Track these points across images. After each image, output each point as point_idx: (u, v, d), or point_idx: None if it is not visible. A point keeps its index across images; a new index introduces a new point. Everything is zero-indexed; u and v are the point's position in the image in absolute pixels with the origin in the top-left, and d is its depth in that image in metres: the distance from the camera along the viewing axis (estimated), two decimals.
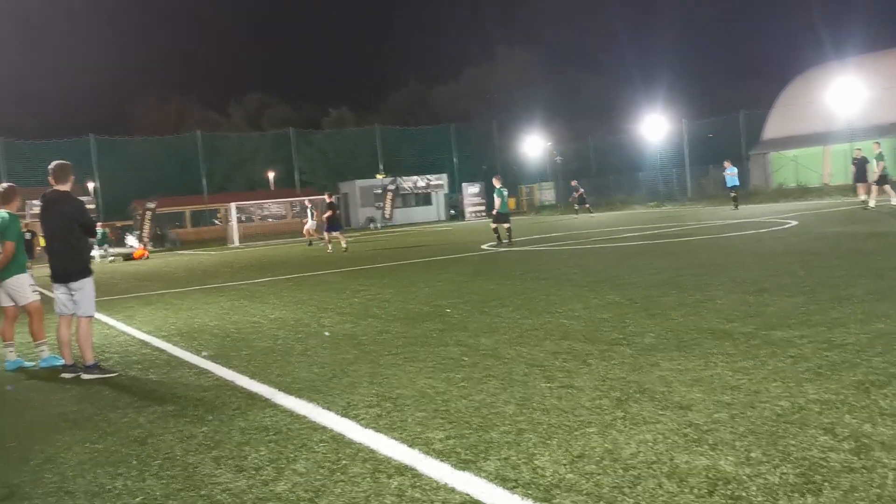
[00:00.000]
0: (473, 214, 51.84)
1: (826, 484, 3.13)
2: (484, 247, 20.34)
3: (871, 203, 23.69)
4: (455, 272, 14.04)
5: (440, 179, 55.88)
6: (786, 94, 44.77)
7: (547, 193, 57.40)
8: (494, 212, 20.74)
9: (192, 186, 52.85)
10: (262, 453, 4.21)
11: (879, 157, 24.13)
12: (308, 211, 33.53)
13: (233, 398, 5.56)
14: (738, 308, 7.45)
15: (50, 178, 7.01)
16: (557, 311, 8.23)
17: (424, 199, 55.04)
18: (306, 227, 32.34)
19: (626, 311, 7.85)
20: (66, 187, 7.04)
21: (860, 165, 25.07)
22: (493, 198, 21.10)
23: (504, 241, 20.12)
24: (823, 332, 6.02)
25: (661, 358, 5.63)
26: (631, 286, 9.77)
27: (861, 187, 25.02)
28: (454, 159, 60.87)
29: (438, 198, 55.47)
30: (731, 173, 30.40)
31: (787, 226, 18.74)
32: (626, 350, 6.01)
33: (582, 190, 40.53)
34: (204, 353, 6.98)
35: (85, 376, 6.83)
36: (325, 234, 25.32)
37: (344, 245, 23.83)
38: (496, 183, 21.06)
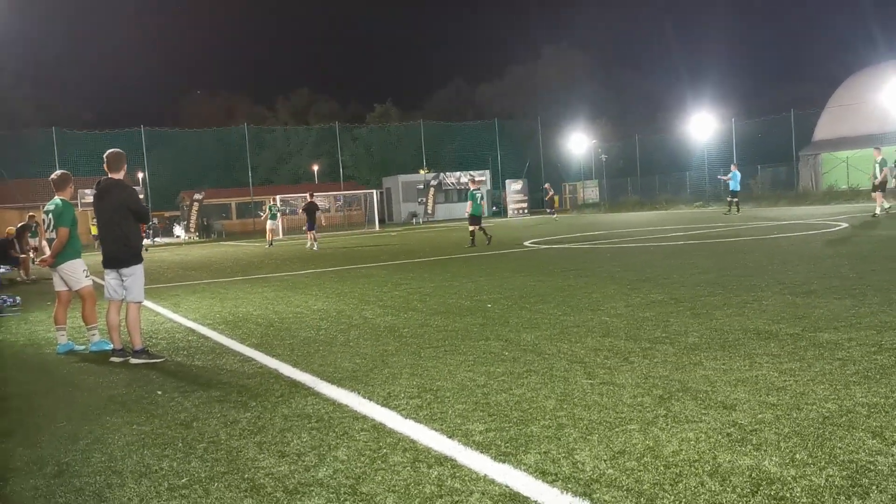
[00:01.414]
0: (516, 211, 51.70)
1: (874, 487, 3.07)
2: (527, 243, 20.27)
3: (877, 210, 22.79)
4: (496, 268, 14.03)
5: (483, 175, 55.84)
6: (838, 95, 43.77)
7: (591, 191, 56.98)
8: (467, 213, 21.30)
9: (239, 179, 53.70)
10: (304, 440, 4.27)
11: (882, 164, 23.39)
12: (273, 208, 32.55)
13: (276, 386, 5.65)
14: (784, 309, 7.32)
15: (104, 167, 7.18)
16: (599, 309, 8.17)
17: (467, 194, 55.12)
18: (270, 227, 31.16)
19: (670, 310, 7.77)
20: (119, 175, 7.21)
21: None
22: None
23: (472, 244, 20.37)
24: (872, 335, 5.89)
25: (704, 357, 5.57)
26: (674, 285, 9.66)
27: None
28: (498, 156, 60.76)
29: (482, 194, 55.49)
30: (733, 178, 29.86)
31: (836, 228, 18.32)
32: (668, 348, 5.95)
33: (553, 192, 40.99)
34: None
35: (133, 360, 6.99)
36: (308, 233, 25.76)
37: (309, 245, 24.44)
38: (471, 186, 21.91)
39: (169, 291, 13.67)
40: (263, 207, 47.64)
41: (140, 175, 50.19)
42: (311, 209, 25.63)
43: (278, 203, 35.68)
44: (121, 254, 7.14)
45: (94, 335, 7.94)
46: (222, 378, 6.11)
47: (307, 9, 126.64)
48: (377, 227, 44.50)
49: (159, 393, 5.66)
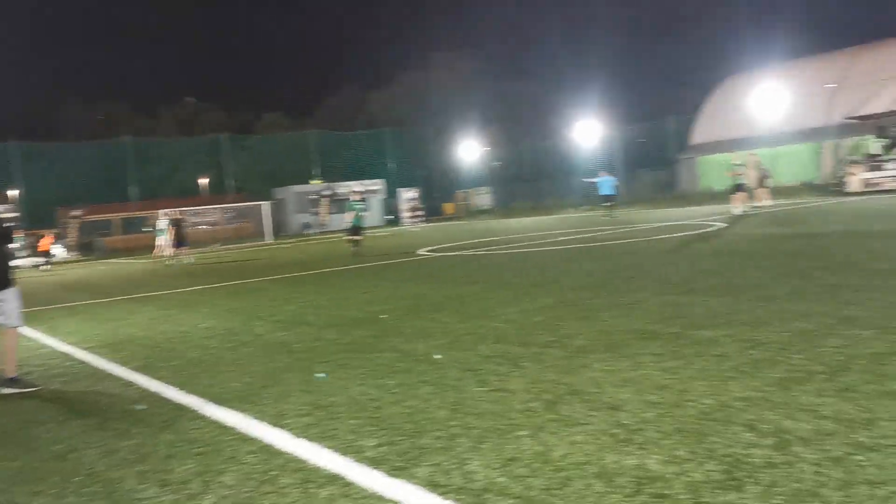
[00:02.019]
0: (411, 219, 51.81)
1: (748, 480, 3.21)
2: (420, 251, 20.33)
3: (741, 210, 24.45)
4: (390, 278, 14.00)
5: (376, 185, 55.68)
6: (712, 100, 46.16)
7: (483, 198, 57.78)
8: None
9: (122, 193, 51.52)
10: (189, 466, 4.10)
11: (740, 166, 25.31)
12: (163, 222, 30.73)
13: (160, 410, 5.41)
14: (666, 309, 7.61)
15: None
16: (492, 315, 8.26)
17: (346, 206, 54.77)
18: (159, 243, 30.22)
19: (559, 314, 7.94)
20: None
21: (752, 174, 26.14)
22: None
23: (356, 250, 21.05)
24: (747, 331, 6.19)
25: (592, 359, 5.71)
26: (564, 289, 9.89)
27: (760, 192, 25.99)
28: (391, 164, 60.78)
29: (374, 204, 55.25)
30: (603, 182, 30.99)
31: (713, 228, 19.26)
32: (558, 352, 6.07)
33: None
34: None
35: (4, 391, 6.55)
36: (173, 250, 25.35)
37: (169, 262, 24.22)
38: (353, 197, 22.91)
39: (45, 314, 12.92)
40: (151, 222, 45.76)
41: (13, 192, 47.39)
42: (178, 225, 25.31)
43: (162, 217, 34.16)
44: None
45: None
46: (102, 405, 5.81)
47: (190, 14, 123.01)
48: (270, 240, 43.62)
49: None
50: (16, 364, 6.78)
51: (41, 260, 32.10)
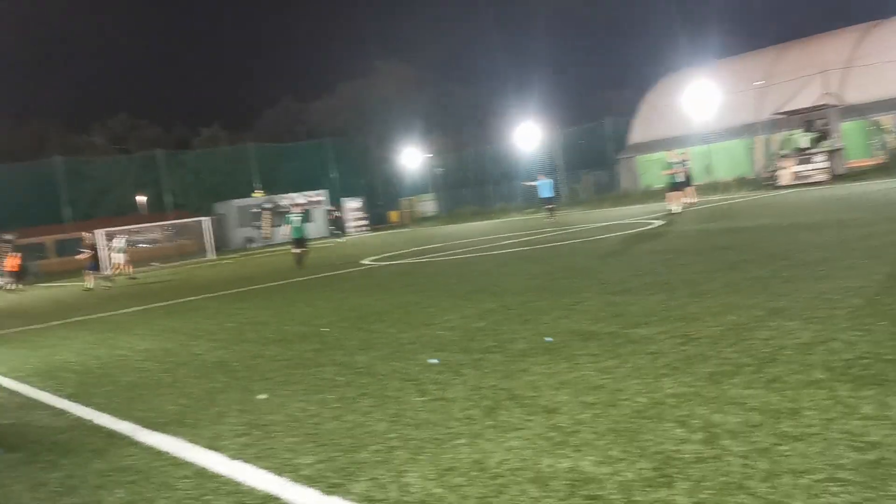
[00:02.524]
0: (356, 229, 51.56)
1: (678, 476, 3.26)
2: (365, 261, 20.23)
3: (678, 207, 24.70)
4: (334, 289, 13.89)
5: (319, 195, 55.29)
6: (648, 99, 47.06)
7: (427, 205, 57.85)
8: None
9: (55, 215, 50.08)
10: (120, 496, 3.99)
11: (676, 164, 25.49)
12: (121, 241, 30.88)
13: (91, 439, 5.25)
14: (604, 308, 7.71)
15: None
16: (434, 323, 8.26)
17: (304, 216, 54.25)
18: (116, 261, 29.99)
19: (501, 318, 7.97)
20: None
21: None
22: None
23: (300, 262, 21.20)
24: (681, 326, 6.30)
25: (531, 363, 5.74)
26: (506, 293, 9.94)
27: (678, 194, 25.68)
28: (333, 174, 60.41)
29: (318, 214, 54.85)
30: (541, 185, 31.08)
31: (651, 226, 19.61)
32: (498, 357, 6.09)
33: (338, 213, 43.91)
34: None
35: None
36: (87, 273, 24.80)
37: (89, 285, 23.94)
38: (293, 210, 23.64)
39: None
40: (84, 243, 44.67)
41: None
42: (93, 248, 25.06)
43: (119, 238, 33.35)
44: None
45: None
46: (30, 436, 5.61)
47: (123, 28, 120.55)
48: (212, 256, 42.90)
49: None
50: None
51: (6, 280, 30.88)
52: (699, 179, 34.18)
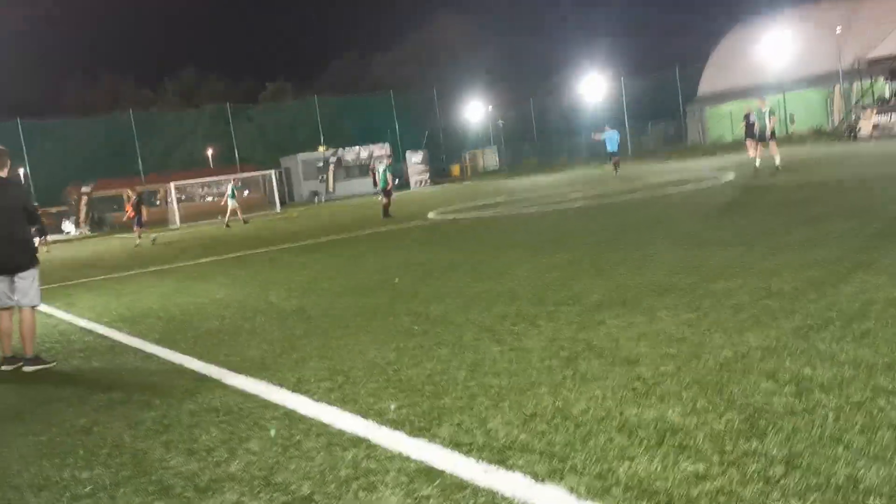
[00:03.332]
0: (418, 183, 51.65)
1: (770, 427, 3.22)
2: (430, 214, 20.31)
3: (758, 162, 23.83)
4: (402, 242, 14.00)
5: (383, 149, 55.43)
6: (719, 49, 45.50)
7: (490, 158, 57.49)
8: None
9: (129, 168, 51.46)
10: (214, 434, 4.15)
11: (770, 113, 24.34)
12: (230, 187, 32.56)
13: (181, 381, 5.47)
14: (680, 262, 7.59)
15: None
16: (505, 275, 8.27)
17: (366, 169, 54.53)
18: (231, 207, 31.27)
19: (573, 271, 7.93)
20: (4, 174, 6.67)
21: (749, 122, 25.10)
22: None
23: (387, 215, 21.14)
24: (761, 280, 6.17)
25: (607, 315, 5.71)
26: (576, 246, 9.87)
27: (750, 143, 24.77)
28: (396, 128, 60.41)
29: (384, 167, 55.06)
30: (609, 137, 30.07)
31: (724, 179, 19.12)
32: (573, 309, 6.08)
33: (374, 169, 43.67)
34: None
35: (28, 368, 6.61)
36: (136, 229, 24.78)
37: (138, 241, 23.85)
38: (386, 161, 23.31)
39: (61, 291, 13.02)
40: (158, 195, 45.88)
41: (21, 170, 47.48)
42: (137, 205, 24.90)
43: (234, 183, 34.79)
44: (18, 258, 6.60)
45: None
46: (123, 378, 5.87)
47: None
48: (278, 209, 43.65)
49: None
50: (35, 342, 6.83)
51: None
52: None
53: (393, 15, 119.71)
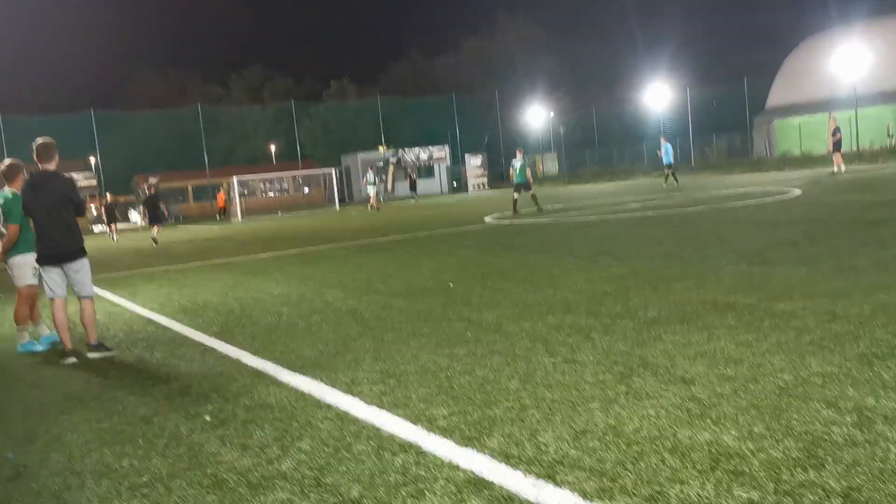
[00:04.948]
0: (476, 186, 51.66)
1: (829, 458, 3.14)
2: (487, 219, 20.30)
3: (836, 170, 25.16)
4: (458, 246, 14.03)
5: (442, 151, 55.63)
6: (790, 61, 44.44)
7: (550, 164, 57.19)
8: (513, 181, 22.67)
9: (194, 161, 52.78)
10: (267, 431, 4.23)
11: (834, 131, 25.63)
12: (371, 174, 35.96)
13: (237, 376, 5.59)
14: (740, 279, 7.44)
15: (34, 157, 6.82)
16: (560, 285, 8.22)
17: (427, 171, 54.82)
18: (373, 196, 34.95)
19: (629, 284, 7.84)
20: (52, 166, 6.84)
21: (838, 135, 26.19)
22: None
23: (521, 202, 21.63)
24: (827, 303, 6.00)
25: (664, 331, 5.63)
26: (634, 258, 9.75)
27: (839, 157, 26.18)
28: (456, 130, 60.55)
29: (441, 170, 55.27)
30: (666, 149, 29.75)
31: (790, 195, 18.65)
32: (629, 323, 6.01)
33: (414, 175, 46.12)
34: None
35: (93, 355, 6.83)
36: (153, 227, 24.68)
37: (154, 237, 23.85)
38: (518, 154, 22.97)
39: (125, 280, 13.43)
40: (222, 188, 46.77)
41: (92, 160, 49.11)
42: (153, 201, 24.90)
43: (372, 172, 37.23)
44: (69, 248, 6.82)
45: (23, 336, 7.61)
46: (183, 369, 6.02)
47: None
48: (337, 207, 44.17)
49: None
50: (97, 330, 7.04)
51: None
52: (844, 147, 32.32)
53: (455, 17, 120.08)
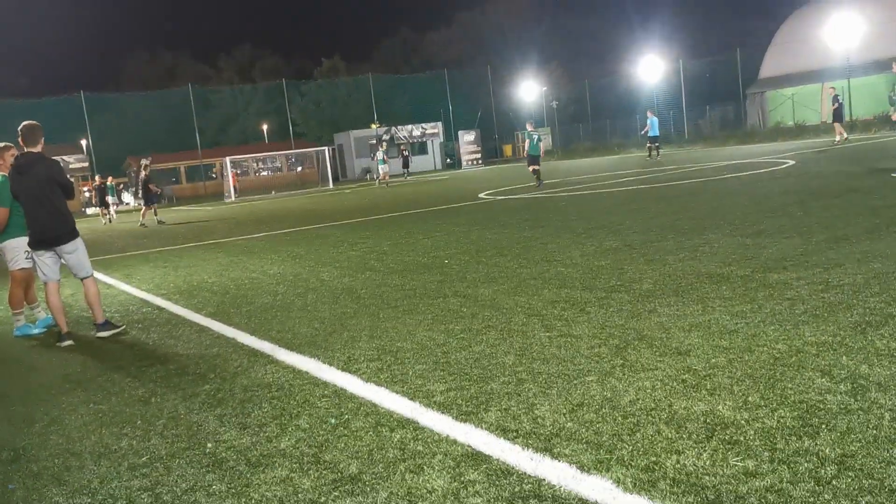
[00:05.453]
0: (470, 162, 51.53)
1: (823, 426, 3.17)
2: (482, 195, 20.27)
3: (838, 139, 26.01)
4: (452, 222, 14.02)
5: (435, 128, 55.41)
6: (782, 31, 44.19)
7: (543, 139, 56.99)
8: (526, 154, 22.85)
9: (186, 142, 52.50)
10: (266, 410, 4.25)
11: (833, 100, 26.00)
12: (381, 153, 37.19)
13: (234, 355, 5.60)
14: (735, 251, 7.46)
15: (19, 140, 6.75)
16: (555, 259, 8.23)
17: (420, 147, 54.65)
18: (382, 171, 36.18)
19: (624, 258, 7.86)
20: (38, 148, 6.77)
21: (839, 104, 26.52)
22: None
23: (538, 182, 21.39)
24: (820, 273, 6.03)
25: (658, 304, 5.65)
26: (628, 232, 9.76)
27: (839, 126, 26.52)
28: (449, 106, 60.27)
29: (434, 146, 55.10)
30: (652, 123, 29.75)
31: (784, 165, 18.65)
32: (623, 297, 6.03)
33: (407, 152, 45.80)
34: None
35: (102, 334, 6.82)
36: (143, 209, 24.61)
37: (142, 221, 23.89)
38: (528, 127, 23.17)
39: (120, 261, 13.40)
40: (214, 170, 46.57)
41: (83, 142, 48.80)
42: (145, 183, 24.62)
43: (382, 150, 38.53)
44: (59, 230, 6.78)
45: (19, 320, 7.58)
46: (179, 350, 6.03)
47: None
48: (331, 185, 44.05)
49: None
50: (101, 308, 7.04)
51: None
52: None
53: None
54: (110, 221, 29.87)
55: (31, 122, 6.85)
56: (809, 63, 39.03)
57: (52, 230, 6.78)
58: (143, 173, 24.75)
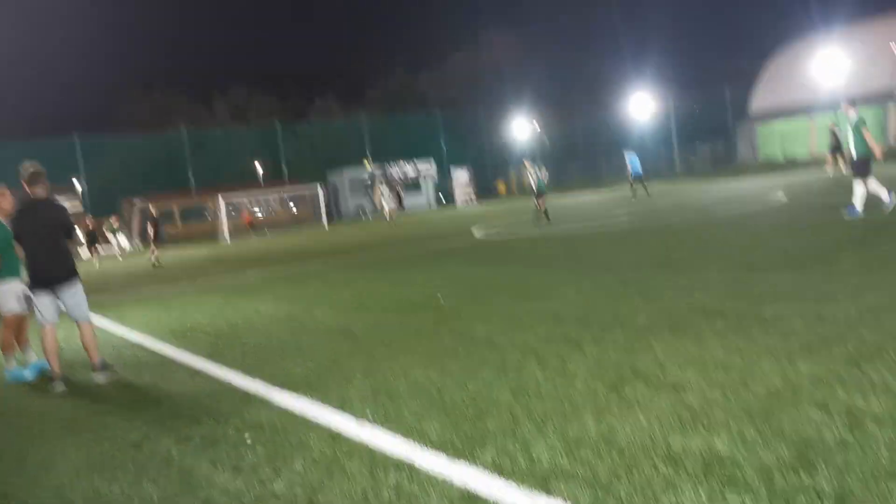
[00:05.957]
0: (465, 201, 51.70)
1: (820, 460, 3.15)
2: (475, 233, 20.32)
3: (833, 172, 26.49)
4: (447, 260, 14.04)
5: (428, 166, 55.66)
6: (771, 67, 44.81)
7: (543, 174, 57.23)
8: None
9: (180, 182, 52.60)
10: (259, 452, 4.21)
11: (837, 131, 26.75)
12: (386, 189, 39.37)
13: (228, 397, 5.55)
14: (729, 286, 7.48)
15: (23, 182, 6.78)
16: (550, 297, 8.23)
17: (414, 186, 54.84)
18: (388, 208, 37.71)
19: (619, 294, 7.86)
20: (43, 192, 6.84)
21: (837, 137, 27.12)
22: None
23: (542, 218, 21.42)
24: (814, 306, 6.04)
25: (653, 339, 5.64)
26: (623, 268, 9.78)
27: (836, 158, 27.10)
28: (442, 145, 60.66)
29: (427, 184, 55.30)
30: (632, 161, 29.58)
31: (775, 199, 18.78)
32: (619, 333, 6.02)
33: (400, 189, 47.77)
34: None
35: (100, 379, 6.72)
36: (152, 247, 24.49)
37: (153, 259, 23.84)
38: (526, 164, 24.14)
39: (113, 304, 13.34)
40: (211, 209, 46.62)
41: (76, 184, 48.88)
42: (156, 223, 24.76)
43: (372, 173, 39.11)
44: (62, 272, 6.79)
45: (10, 363, 7.48)
46: (172, 393, 5.98)
47: (238, 2, 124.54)
48: (325, 224, 44.09)
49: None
50: (97, 352, 6.98)
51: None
52: (824, 150, 32.61)
53: (439, 32, 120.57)
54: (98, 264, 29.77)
55: (35, 165, 6.88)
56: (797, 98, 39.52)
57: (54, 271, 6.79)
58: (153, 213, 24.91)
